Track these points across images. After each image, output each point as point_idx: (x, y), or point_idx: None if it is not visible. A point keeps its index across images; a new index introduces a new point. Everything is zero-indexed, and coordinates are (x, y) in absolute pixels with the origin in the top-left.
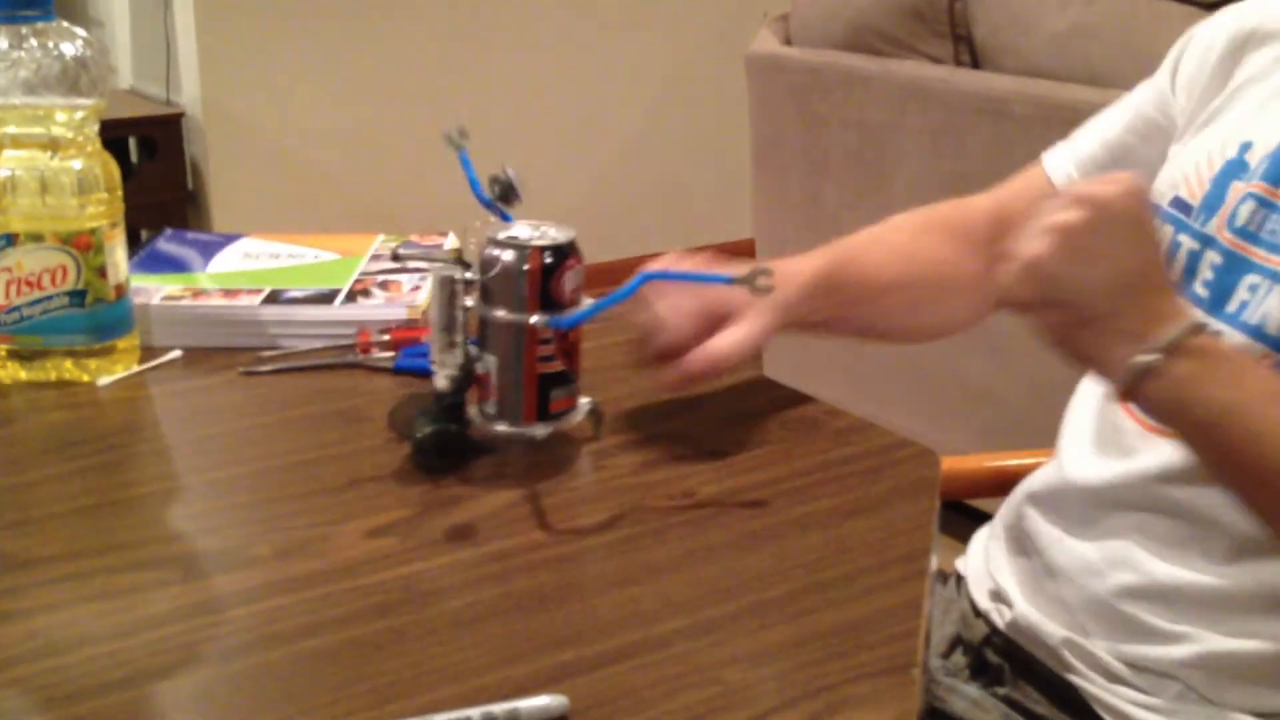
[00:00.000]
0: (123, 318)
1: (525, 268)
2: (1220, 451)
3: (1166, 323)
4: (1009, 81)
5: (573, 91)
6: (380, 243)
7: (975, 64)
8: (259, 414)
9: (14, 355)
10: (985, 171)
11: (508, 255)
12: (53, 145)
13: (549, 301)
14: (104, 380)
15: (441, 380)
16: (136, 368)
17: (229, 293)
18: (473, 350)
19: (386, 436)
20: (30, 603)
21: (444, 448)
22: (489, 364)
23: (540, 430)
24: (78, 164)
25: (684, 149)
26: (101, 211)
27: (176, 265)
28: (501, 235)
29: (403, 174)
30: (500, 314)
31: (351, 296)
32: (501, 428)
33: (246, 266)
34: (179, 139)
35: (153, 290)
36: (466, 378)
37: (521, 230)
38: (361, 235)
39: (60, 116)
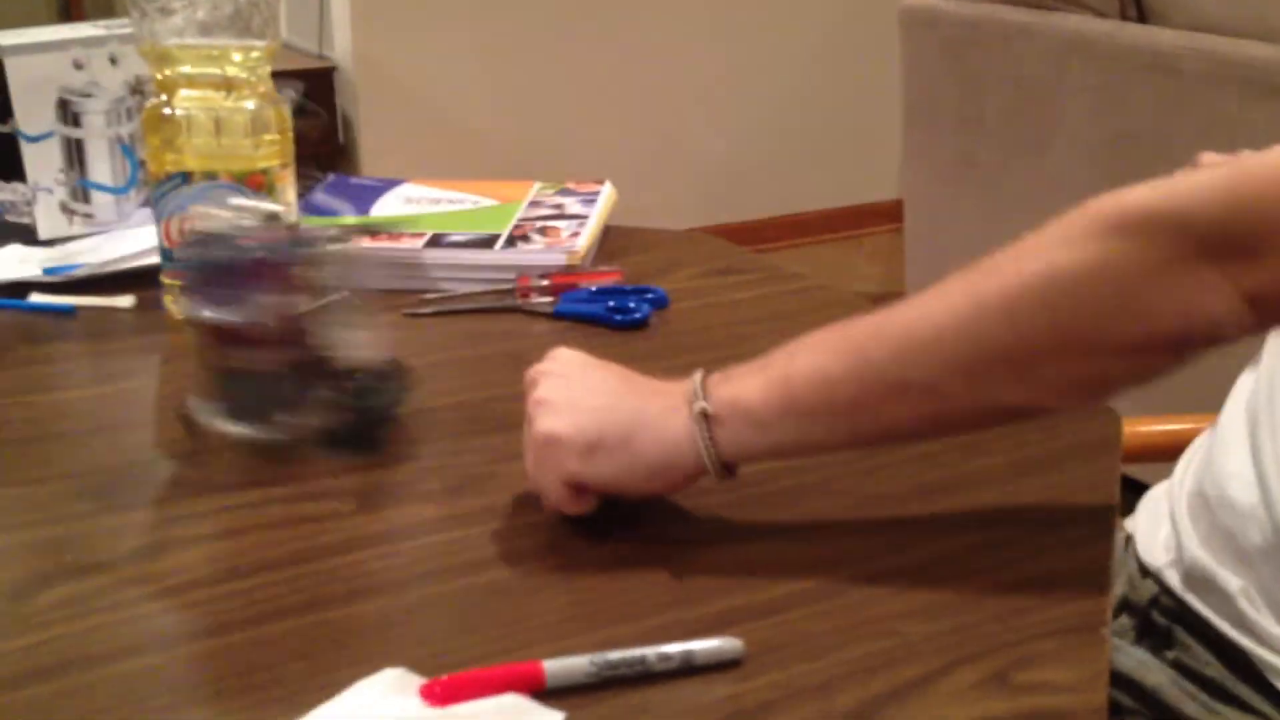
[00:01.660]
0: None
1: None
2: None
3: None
4: (1178, 36)
5: (720, 46)
6: (538, 189)
7: (1142, 18)
8: (424, 354)
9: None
10: (1151, 131)
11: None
12: (227, 86)
13: None
14: None
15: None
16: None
17: (392, 236)
18: None
19: None
20: (210, 528)
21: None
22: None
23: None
24: (251, 104)
25: (831, 106)
26: (274, 151)
27: (340, 209)
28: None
29: (552, 125)
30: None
31: (511, 242)
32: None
33: (408, 211)
34: (331, 92)
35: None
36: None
37: (240, 206)
38: (519, 182)
39: (235, 57)
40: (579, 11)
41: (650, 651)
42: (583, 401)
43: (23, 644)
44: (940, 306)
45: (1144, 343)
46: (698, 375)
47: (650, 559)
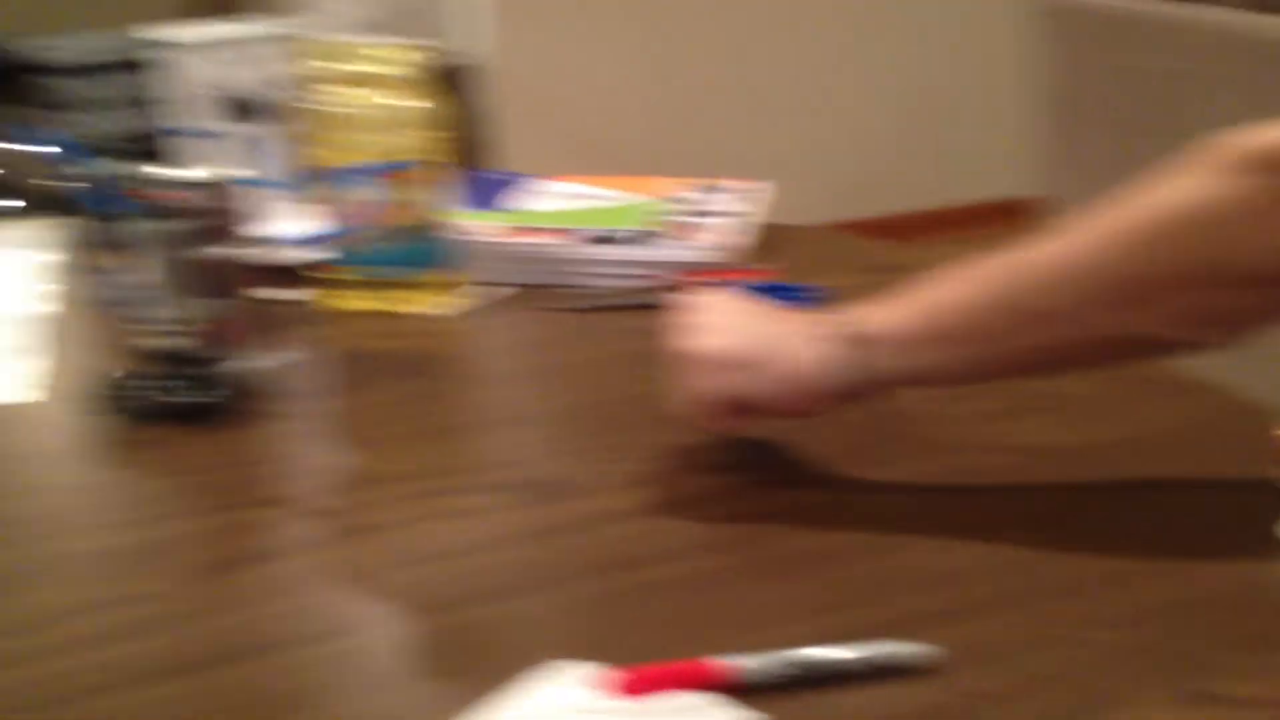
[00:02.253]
0: (451, 252)
1: (232, 201)
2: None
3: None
4: None
5: (853, 41)
6: (688, 185)
7: None
8: (584, 349)
9: (352, 285)
10: None
11: (216, 194)
12: (385, 83)
13: None
14: (435, 311)
15: (179, 340)
16: (463, 301)
17: (548, 232)
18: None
19: None
20: (387, 517)
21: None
22: (222, 306)
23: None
24: (407, 101)
25: (957, 101)
26: (433, 148)
27: (495, 204)
28: (167, 177)
29: (686, 123)
30: (231, 250)
31: (664, 238)
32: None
33: (561, 207)
34: (473, 88)
35: (476, 227)
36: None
37: (171, 173)
38: (669, 178)
39: (395, 55)
40: (714, 11)
41: (843, 653)
42: (730, 323)
43: (222, 624)
44: (1078, 238)
45: (1273, 276)
46: (845, 306)
47: (826, 558)
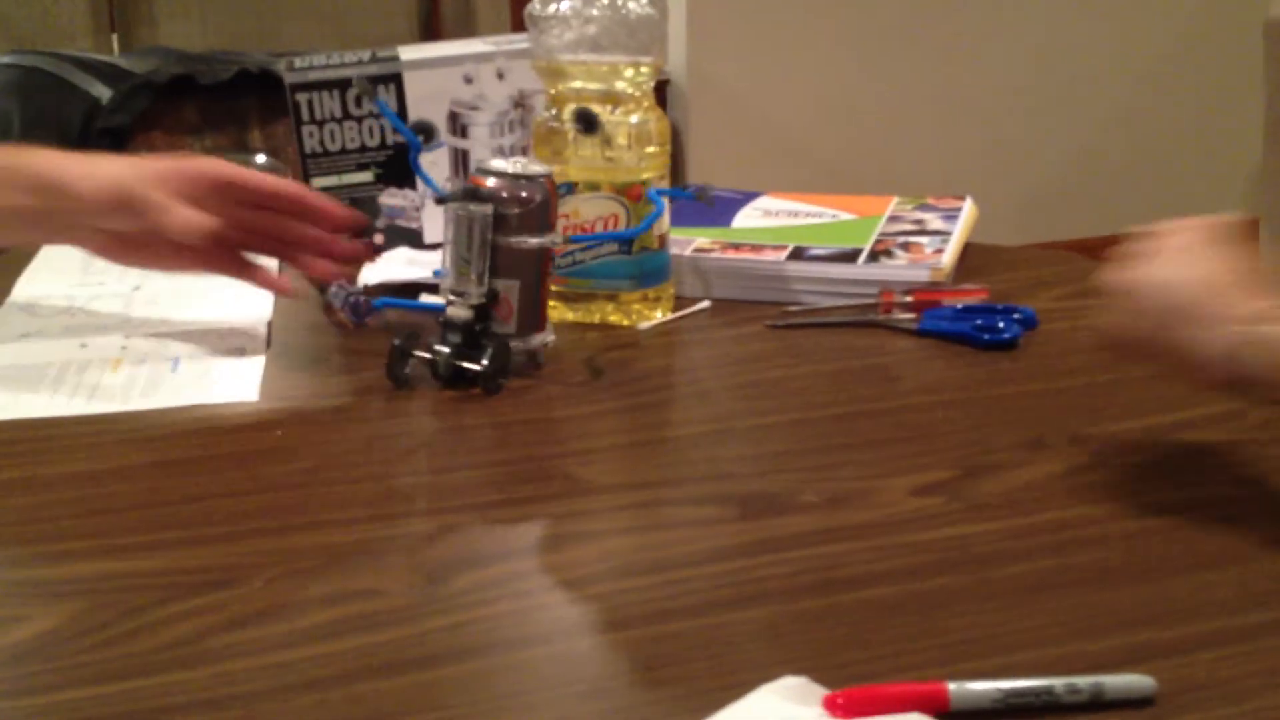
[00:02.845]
0: (663, 267)
1: (546, 195)
2: None
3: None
4: None
5: (1060, 53)
6: (897, 204)
7: None
8: (789, 366)
9: (562, 297)
10: None
11: (529, 186)
12: (614, 100)
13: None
14: (643, 325)
15: (463, 310)
16: (671, 315)
17: (755, 248)
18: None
19: (920, 397)
20: (602, 526)
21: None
22: (509, 287)
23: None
24: (635, 118)
25: (1175, 120)
26: (653, 164)
27: (702, 219)
28: (495, 167)
29: (879, 139)
30: (531, 240)
31: (873, 256)
32: (519, 344)
33: (767, 223)
34: (663, 104)
35: (684, 242)
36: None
37: (504, 163)
38: (877, 196)
39: (626, 72)
40: (906, 26)
41: (1058, 682)
42: (1175, 261)
43: (443, 624)
44: None
45: None
46: None
47: (1040, 587)
